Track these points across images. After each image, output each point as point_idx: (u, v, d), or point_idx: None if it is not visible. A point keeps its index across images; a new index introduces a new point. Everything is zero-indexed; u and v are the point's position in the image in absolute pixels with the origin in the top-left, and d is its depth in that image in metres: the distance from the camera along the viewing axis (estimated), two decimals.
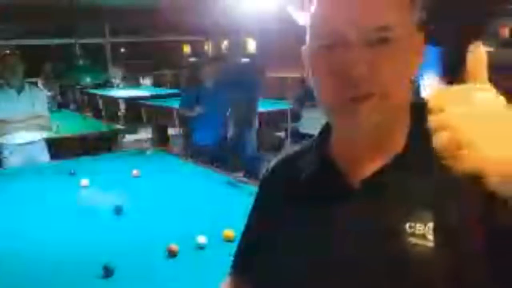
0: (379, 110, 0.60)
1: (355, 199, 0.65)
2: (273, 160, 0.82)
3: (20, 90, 3.58)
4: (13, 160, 3.53)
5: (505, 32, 3.63)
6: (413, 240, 0.59)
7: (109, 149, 4.73)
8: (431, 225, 0.58)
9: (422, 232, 0.58)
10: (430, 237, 0.58)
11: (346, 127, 0.65)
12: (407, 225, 0.59)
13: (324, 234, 0.66)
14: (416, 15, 0.63)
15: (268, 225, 0.75)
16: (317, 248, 0.66)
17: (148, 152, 3.64)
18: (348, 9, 0.59)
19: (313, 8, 0.63)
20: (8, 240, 2.02)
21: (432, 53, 1.91)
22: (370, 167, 0.64)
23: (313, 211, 0.68)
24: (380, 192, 0.63)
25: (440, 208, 0.59)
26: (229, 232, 1.91)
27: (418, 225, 0.59)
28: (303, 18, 2.58)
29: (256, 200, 0.83)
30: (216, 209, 2.32)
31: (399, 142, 0.65)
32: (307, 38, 0.66)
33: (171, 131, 6.66)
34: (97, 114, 7.82)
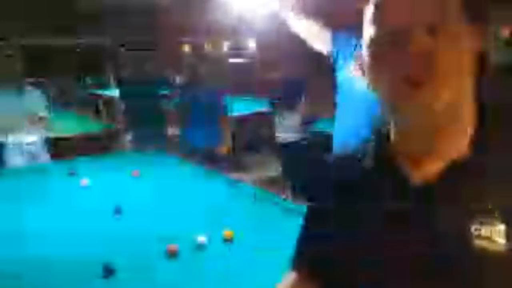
0: (439, 98, 0.59)
1: (416, 199, 0.64)
2: (329, 157, 0.83)
3: (20, 90, 3.59)
4: (13, 160, 3.54)
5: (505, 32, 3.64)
6: (479, 242, 0.58)
7: (109, 149, 4.74)
8: (500, 228, 0.58)
9: (489, 235, 0.58)
10: (499, 240, 0.58)
11: (403, 114, 0.64)
12: (473, 228, 0.59)
13: (381, 232, 0.66)
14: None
15: (327, 221, 0.76)
16: (375, 245, 0.67)
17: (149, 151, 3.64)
18: (410, 3, 0.60)
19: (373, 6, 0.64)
20: (7, 240, 2.02)
21: None
22: (432, 167, 0.64)
23: (371, 210, 0.68)
24: (443, 192, 0.62)
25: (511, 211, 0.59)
26: (229, 232, 1.91)
27: (484, 227, 0.59)
28: (293, 20, 2.56)
29: (312, 200, 0.83)
30: (216, 209, 2.32)
31: (464, 141, 0.64)
32: (367, 32, 0.65)
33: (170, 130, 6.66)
34: (97, 114, 7.82)
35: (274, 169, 4.81)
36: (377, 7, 0.64)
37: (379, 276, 0.66)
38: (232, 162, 4.36)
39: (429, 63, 0.58)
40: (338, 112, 2.48)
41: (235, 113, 5.09)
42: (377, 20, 0.63)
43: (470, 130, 0.64)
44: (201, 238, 1.88)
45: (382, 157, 0.70)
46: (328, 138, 2.57)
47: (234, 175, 3.05)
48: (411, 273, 0.63)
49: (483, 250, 0.58)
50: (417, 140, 0.65)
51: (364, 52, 0.66)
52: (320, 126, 4.24)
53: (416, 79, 0.59)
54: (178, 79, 6.33)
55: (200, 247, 1.87)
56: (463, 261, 0.59)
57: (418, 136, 0.65)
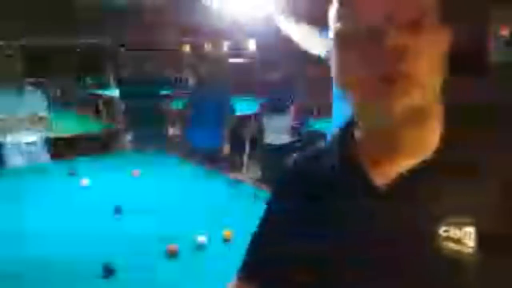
0: (411, 96, 0.57)
1: (381, 201, 0.62)
2: (291, 160, 0.79)
3: (20, 90, 3.59)
4: (13, 160, 3.54)
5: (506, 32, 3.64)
6: (447, 244, 0.57)
7: (109, 149, 4.74)
8: (470, 230, 0.57)
9: (458, 236, 0.57)
10: (469, 242, 0.57)
11: (374, 113, 0.61)
12: (442, 229, 0.58)
13: (346, 237, 0.64)
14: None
15: (286, 227, 0.73)
16: (339, 251, 0.64)
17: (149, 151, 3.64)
18: None
19: None
20: (7, 240, 2.02)
21: None
22: (398, 167, 0.62)
23: (335, 214, 0.66)
24: (409, 194, 0.61)
25: (481, 213, 0.57)
26: (228, 232, 1.92)
27: (452, 229, 0.57)
28: (283, 22, 2.57)
29: (272, 202, 0.80)
30: (216, 209, 2.32)
31: (431, 142, 0.62)
32: (335, 20, 0.62)
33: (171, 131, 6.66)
34: (97, 114, 7.82)
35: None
36: (341, 3, 0.61)
37: (340, 279, 0.64)
38: (232, 162, 4.36)
39: (401, 60, 0.55)
40: (335, 113, 2.47)
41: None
42: (343, 16, 0.61)
43: (437, 132, 0.62)
44: (201, 238, 1.88)
45: (344, 156, 0.68)
46: (325, 139, 2.56)
47: (234, 175, 3.05)
48: (374, 276, 0.61)
49: (454, 253, 0.57)
50: (379, 139, 0.63)
51: (331, 50, 0.64)
52: (317, 126, 4.23)
53: (388, 76, 0.56)
54: (190, 80, 6.32)
55: (200, 247, 1.87)
56: (425, 263, 0.58)
57: (380, 135, 0.63)
